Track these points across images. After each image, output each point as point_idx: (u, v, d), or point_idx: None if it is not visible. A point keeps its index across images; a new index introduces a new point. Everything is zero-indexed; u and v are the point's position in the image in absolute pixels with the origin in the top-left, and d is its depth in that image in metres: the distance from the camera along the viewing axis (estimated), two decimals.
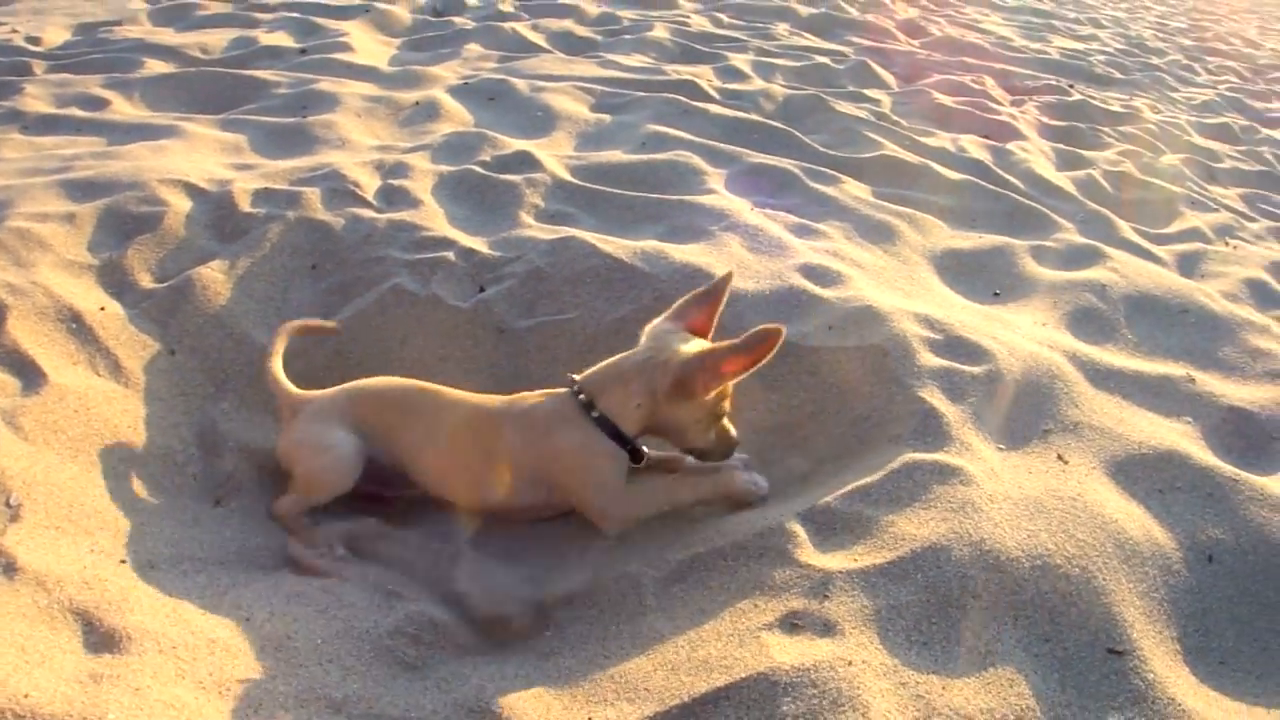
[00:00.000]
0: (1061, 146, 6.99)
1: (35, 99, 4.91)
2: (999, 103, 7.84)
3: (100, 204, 3.38)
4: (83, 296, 2.95)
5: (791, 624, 2.05)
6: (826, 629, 2.02)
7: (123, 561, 2.23)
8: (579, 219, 3.95)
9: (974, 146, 6.36)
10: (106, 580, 2.10)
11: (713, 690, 1.86)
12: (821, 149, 5.60)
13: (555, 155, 4.55)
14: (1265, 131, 9.08)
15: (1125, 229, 5.49)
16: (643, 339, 2.66)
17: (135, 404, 2.74)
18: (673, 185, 4.46)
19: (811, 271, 3.72)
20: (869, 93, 7.23)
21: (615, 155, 4.72)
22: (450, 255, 3.43)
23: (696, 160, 4.74)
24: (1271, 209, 6.77)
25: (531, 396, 2.68)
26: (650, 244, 3.64)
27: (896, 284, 3.91)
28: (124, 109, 4.66)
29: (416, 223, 3.59)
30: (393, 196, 3.82)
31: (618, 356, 2.65)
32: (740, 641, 2.01)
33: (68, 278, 3.05)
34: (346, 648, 2.08)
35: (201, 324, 3.05)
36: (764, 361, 2.45)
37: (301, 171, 3.90)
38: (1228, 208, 6.49)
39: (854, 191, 4.93)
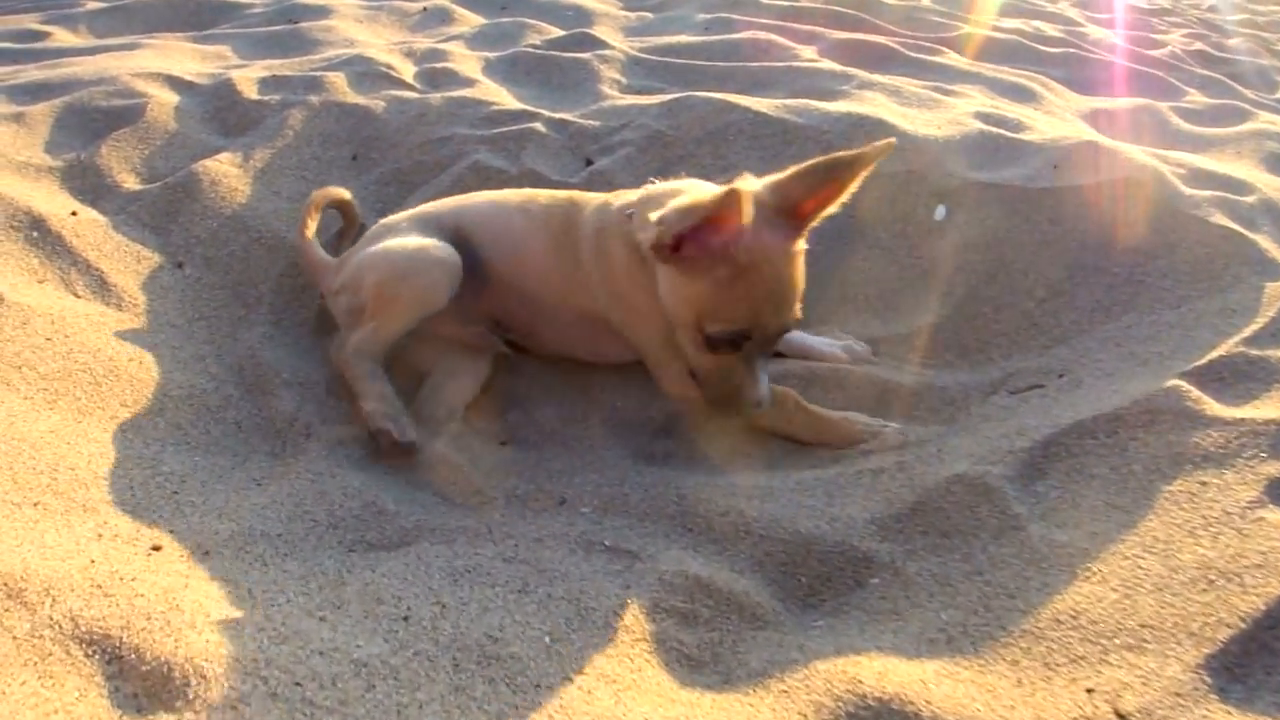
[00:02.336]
0: (1126, 32, 6.25)
1: None
2: None
3: (57, 102, 2.45)
4: (44, 200, 2.02)
5: None
6: None
7: (156, 548, 1.30)
8: (673, 93, 3.05)
9: (1049, 28, 5.56)
10: (135, 578, 1.18)
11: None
12: (896, 29, 4.75)
13: (615, 39, 3.66)
14: None
15: (1247, 92, 4.73)
16: None
17: (135, 331, 1.80)
18: (761, 59, 3.58)
19: (989, 119, 2.88)
20: None
21: (682, 38, 3.83)
22: (539, 127, 2.52)
23: (776, 37, 3.87)
24: None
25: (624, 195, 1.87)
26: (790, 100, 2.76)
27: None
28: (68, 39, 3.67)
29: (480, 98, 2.68)
30: (436, 79, 2.91)
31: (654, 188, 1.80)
32: (1239, 533, 1.14)
33: (19, 180, 2.11)
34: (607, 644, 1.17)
35: (216, 228, 2.12)
36: (726, 219, 1.48)
37: (314, 62, 2.97)
38: None
39: (962, 61, 4.09)
